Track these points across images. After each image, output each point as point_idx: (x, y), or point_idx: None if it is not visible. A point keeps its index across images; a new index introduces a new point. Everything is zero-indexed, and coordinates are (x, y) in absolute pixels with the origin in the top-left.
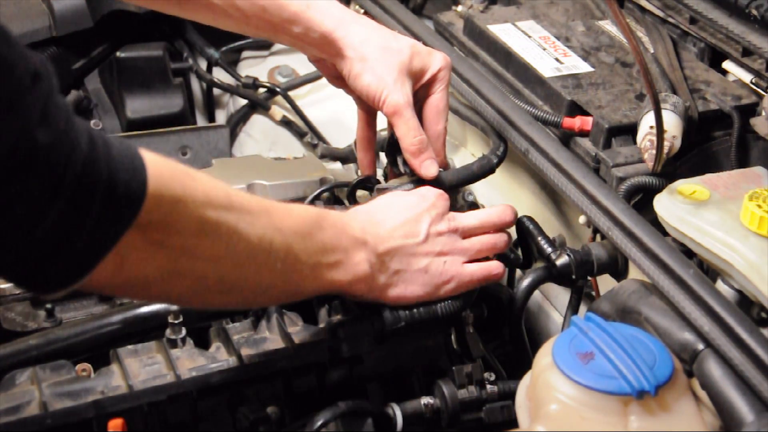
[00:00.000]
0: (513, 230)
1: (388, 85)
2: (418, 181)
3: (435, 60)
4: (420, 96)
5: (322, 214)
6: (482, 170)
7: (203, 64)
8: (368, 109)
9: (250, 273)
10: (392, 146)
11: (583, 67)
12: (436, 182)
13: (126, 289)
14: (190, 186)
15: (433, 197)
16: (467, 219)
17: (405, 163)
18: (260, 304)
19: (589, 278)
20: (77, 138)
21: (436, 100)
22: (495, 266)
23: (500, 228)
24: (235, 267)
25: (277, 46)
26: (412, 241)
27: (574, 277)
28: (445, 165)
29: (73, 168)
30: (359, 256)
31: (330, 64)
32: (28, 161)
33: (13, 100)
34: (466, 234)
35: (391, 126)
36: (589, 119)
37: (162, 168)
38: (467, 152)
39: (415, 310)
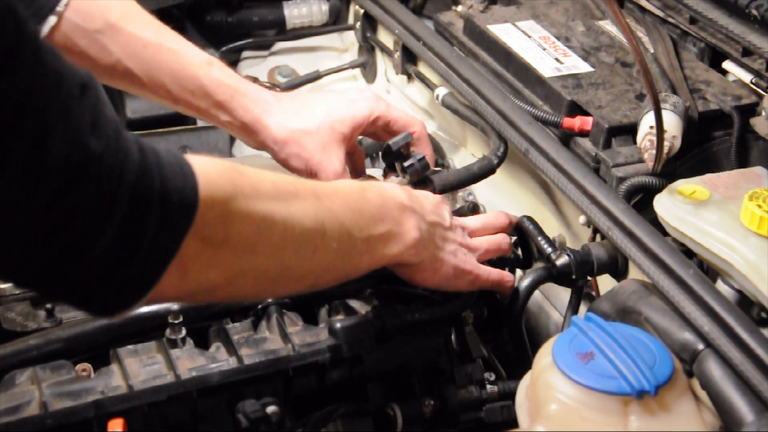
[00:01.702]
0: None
1: (314, 165)
2: (416, 184)
3: (360, 108)
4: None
5: (365, 186)
6: (483, 171)
7: None
8: None
9: (310, 258)
10: (388, 152)
11: (583, 67)
12: (433, 187)
13: (192, 297)
14: (239, 182)
15: (440, 197)
16: (471, 221)
17: (403, 168)
18: (323, 286)
19: (589, 278)
20: (128, 147)
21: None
22: (508, 275)
23: (498, 232)
24: (294, 255)
25: (277, 46)
26: (444, 223)
27: (574, 277)
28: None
29: (128, 178)
30: (410, 223)
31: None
32: (83, 171)
33: (64, 110)
34: (472, 235)
35: (384, 134)
36: (589, 119)
37: (209, 170)
38: (467, 152)
39: (415, 310)
